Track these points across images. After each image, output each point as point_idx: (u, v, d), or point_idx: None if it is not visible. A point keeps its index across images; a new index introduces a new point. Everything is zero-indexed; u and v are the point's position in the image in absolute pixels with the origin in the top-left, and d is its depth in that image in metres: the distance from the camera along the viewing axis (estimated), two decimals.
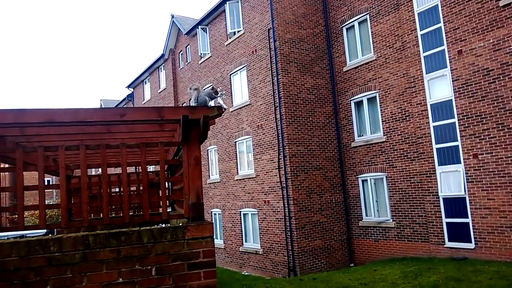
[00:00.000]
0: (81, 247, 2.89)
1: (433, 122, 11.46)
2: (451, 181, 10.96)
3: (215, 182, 17.57)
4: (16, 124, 2.95)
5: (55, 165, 3.61)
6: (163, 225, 3.31)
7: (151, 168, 16.82)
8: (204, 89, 3.63)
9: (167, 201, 4.69)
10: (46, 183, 3.31)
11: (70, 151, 3.15)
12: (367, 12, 13.68)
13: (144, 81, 26.05)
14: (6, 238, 18.40)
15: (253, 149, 15.14)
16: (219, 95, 3.43)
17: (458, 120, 10.80)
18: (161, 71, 23.52)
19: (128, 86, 27.85)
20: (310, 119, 14.12)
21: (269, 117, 14.30)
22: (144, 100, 25.91)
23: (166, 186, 7.76)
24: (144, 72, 25.22)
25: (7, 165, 4.10)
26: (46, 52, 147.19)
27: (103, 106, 33.18)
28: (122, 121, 3.12)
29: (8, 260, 2.77)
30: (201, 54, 18.73)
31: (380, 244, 13.16)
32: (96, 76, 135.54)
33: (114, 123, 3.30)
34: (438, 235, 11.25)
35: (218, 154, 17.45)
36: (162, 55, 22.37)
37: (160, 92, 23.43)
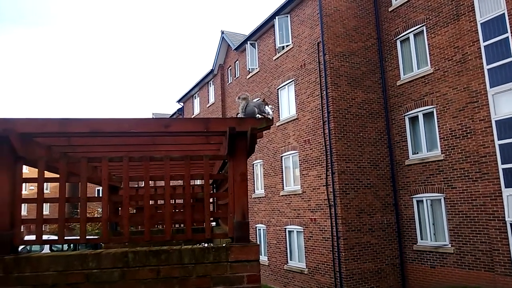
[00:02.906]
0: (120, 264, 2.73)
1: (498, 140, 10.53)
2: None
3: (260, 197, 17.33)
4: (60, 134, 2.90)
5: (98, 177, 3.55)
6: (205, 245, 3.09)
7: (198, 182, 16.93)
8: (253, 100, 3.41)
9: (211, 217, 4.48)
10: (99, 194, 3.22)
11: (115, 162, 3.05)
12: (423, 24, 13.03)
13: (194, 95, 26.62)
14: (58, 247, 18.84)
15: (300, 164, 14.78)
16: (269, 106, 3.19)
17: None
18: (210, 86, 23.92)
19: (179, 101, 28.57)
20: (361, 134, 13.56)
21: (317, 132, 13.92)
22: (193, 114, 26.44)
23: (211, 201, 7.62)
24: (194, 87, 25.77)
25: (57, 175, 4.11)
26: (101, 66, 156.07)
27: None
28: (167, 133, 2.98)
29: (46, 274, 2.68)
30: (249, 69, 18.80)
31: (437, 271, 12.19)
32: (149, 90, 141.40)
33: (159, 135, 3.18)
34: (505, 264, 10.20)
35: (264, 168, 17.24)
36: (212, 70, 22.76)
37: (208, 107, 23.78)
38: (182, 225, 7.11)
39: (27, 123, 2.83)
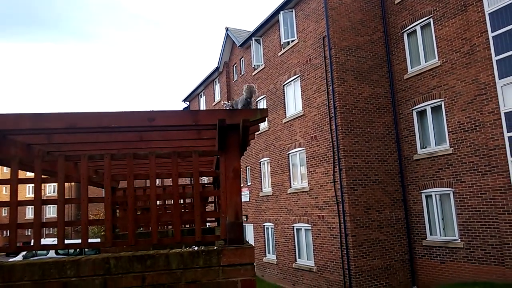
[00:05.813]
0: (101, 272, 2.52)
1: (507, 132, 10.19)
2: None
3: (268, 195, 17.11)
4: (34, 130, 2.70)
5: (77, 176, 3.35)
6: (195, 248, 2.86)
7: (205, 180, 16.74)
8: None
9: (205, 218, 4.24)
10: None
11: (95, 160, 2.84)
12: (430, 16, 12.67)
13: (200, 94, 26.43)
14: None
15: (307, 161, 14.51)
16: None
17: None
18: (216, 84, 23.70)
19: (184, 100, 28.36)
20: (368, 130, 13.25)
21: (323, 128, 13.64)
22: None
23: (212, 200, 7.40)
24: (200, 85, 25.56)
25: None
26: (107, 68, 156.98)
27: None
28: (152, 127, 2.76)
29: (20, 284, 2.48)
30: (254, 65, 18.55)
31: (446, 266, 11.88)
32: (155, 90, 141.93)
33: (143, 129, 2.96)
34: None
35: (271, 166, 17.01)
36: (217, 68, 22.52)
37: (214, 105, 23.58)
38: (188, 226, 6.71)
39: None
